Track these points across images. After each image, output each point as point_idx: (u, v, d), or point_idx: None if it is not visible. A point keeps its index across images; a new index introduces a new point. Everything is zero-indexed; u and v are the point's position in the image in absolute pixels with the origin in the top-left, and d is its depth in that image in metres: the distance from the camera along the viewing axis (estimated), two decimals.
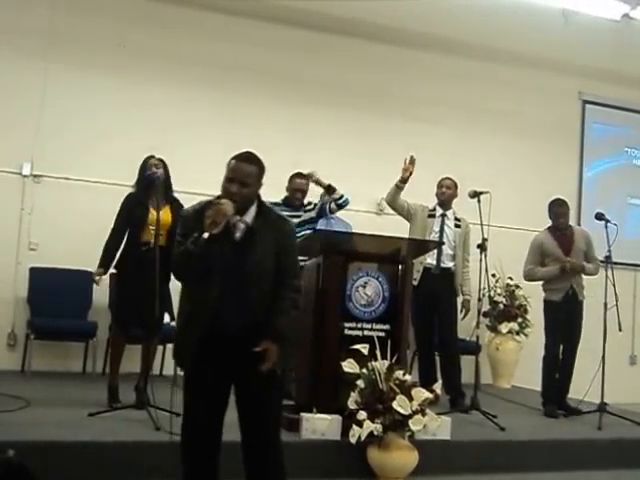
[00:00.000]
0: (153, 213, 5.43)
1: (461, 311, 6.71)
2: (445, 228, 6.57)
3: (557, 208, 6.70)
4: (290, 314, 3.48)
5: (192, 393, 3.53)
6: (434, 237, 6.50)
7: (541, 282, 6.75)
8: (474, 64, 8.58)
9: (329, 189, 6.31)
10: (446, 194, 6.62)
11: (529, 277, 6.81)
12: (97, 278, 5.67)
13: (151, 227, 5.36)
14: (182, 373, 3.58)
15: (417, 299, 6.36)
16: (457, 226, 6.64)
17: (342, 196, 6.34)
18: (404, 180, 6.35)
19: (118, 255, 5.60)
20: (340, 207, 6.42)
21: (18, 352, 6.99)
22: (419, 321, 6.56)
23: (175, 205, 5.57)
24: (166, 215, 5.50)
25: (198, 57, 7.62)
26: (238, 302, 3.39)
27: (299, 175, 6.42)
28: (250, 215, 3.45)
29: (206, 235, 3.27)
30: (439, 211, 6.63)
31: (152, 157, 5.64)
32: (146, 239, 5.44)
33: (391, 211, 7.26)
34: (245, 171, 3.40)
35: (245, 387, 3.50)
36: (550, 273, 6.60)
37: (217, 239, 3.30)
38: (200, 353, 3.40)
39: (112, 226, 5.61)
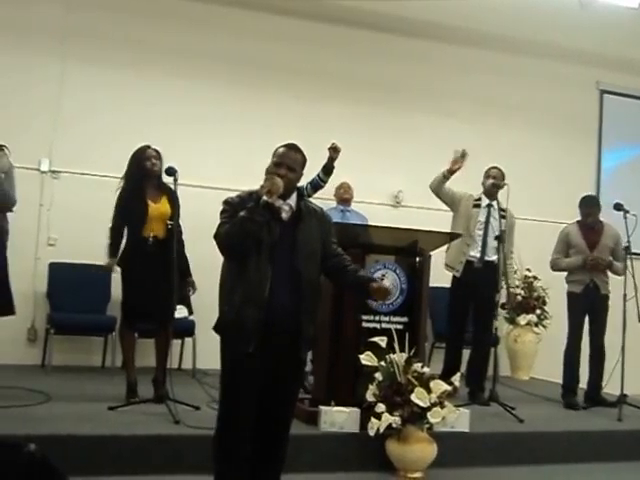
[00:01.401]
0: (152, 206, 5.41)
1: (506, 305, 6.64)
2: (491, 219, 6.38)
3: (585, 208, 6.63)
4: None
5: (241, 386, 3.52)
6: (479, 227, 6.35)
7: (564, 273, 6.72)
8: (488, 54, 8.52)
9: (330, 171, 6.21)
10: (499, 184, 6.38)
11: (554, 266, 6.78)
12: (112, 266, 5.58)
13: (169, 222, 5.34)
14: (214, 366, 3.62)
15: (456, 290, 6.36)
16: (502, 217, 6.43)
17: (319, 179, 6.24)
18: (452, 172, 6.27)
19: (120, 252, 5.52)
20: (315, 189, 6.30)
21: (38, 347, 7.04)
22: (455, 312, 6.49)
23: (171, 194, 5.43)
24: (164, 207, 5.47)
25: (213, 52, 7.62)
26: (289, 284, 3.51)
27: None
28: (292, 200, 3.62)
29: (265, 197, 3.40)
30: (485, 201, 6.46)
31: (149, 147, 5.52)
32: (147, 234, 5.39)
33: (408, 203, 7.28)
34: (292, 157, 3.63)
35: (281, 377, 3.55)
36: (572, 264, 6.57)
37: (264, 218, 3.42)
38: (258, 338, 3.45)
39: (111, 224, 5.51)
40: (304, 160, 3.70)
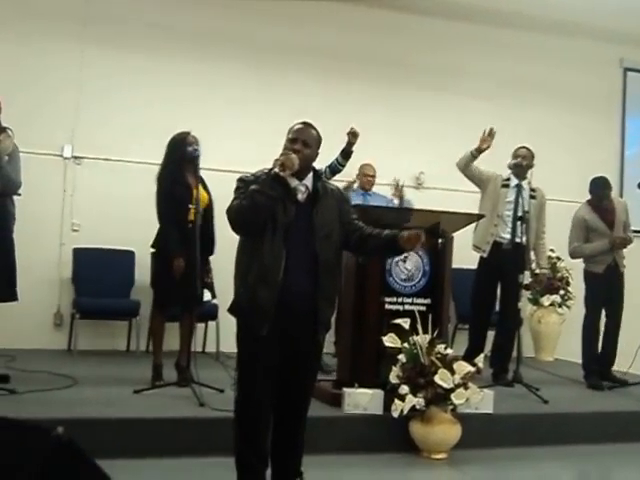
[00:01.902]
0: (194, 191, 5.42)
1: (534, 285, 6.57)
2: (520, 199, 6.26)
3: (599, 190, 6.52)
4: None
5: (257, 368, 3.53)
6: (508, 208, 6.26)
7: None
8: (510, 33, 8.44)
9: (349, 155, 6.22)
10: (523, 165, 6.32)
11: (576, 255, 6.66)
12: (183, 267, 5.32)
13: (190, 206, 5.33)
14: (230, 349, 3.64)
15: (482, 271, 6.33)
16: (532, 197, 6.37)
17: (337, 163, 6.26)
18: (481, 151, 6.19)
19: (156, 234, 5.50)
20: (334, 173, 6.32)
21: (64, 331, 7.11)
22: (480, 293, 6.44)
23: (203, 183, 5.53)
24: (203, 194, 5.51)
25: (233, 35, 7.60)
26: (305, 265, 3.49)
27: None
28: (309, 181, 3.59)
29: (277, 169, 3.39)
30: (514, 181, 6.34)
31: (188, 134, 5.49)
32: (190, 218, 5.36)
33: (430, 185, 7.24)
34: (308, 133, 3.61)
35: (299, 358, 3.57)
36: (599, 249, 6.46)
37: (276, 193, 3.40)
38: (273, 320, 3.45)
39: (160, 211, 5.42)
40: (319, 138, 3.67)
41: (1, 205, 5.01)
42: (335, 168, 6.18)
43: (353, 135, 5.99)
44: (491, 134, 6.18)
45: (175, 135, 5.55)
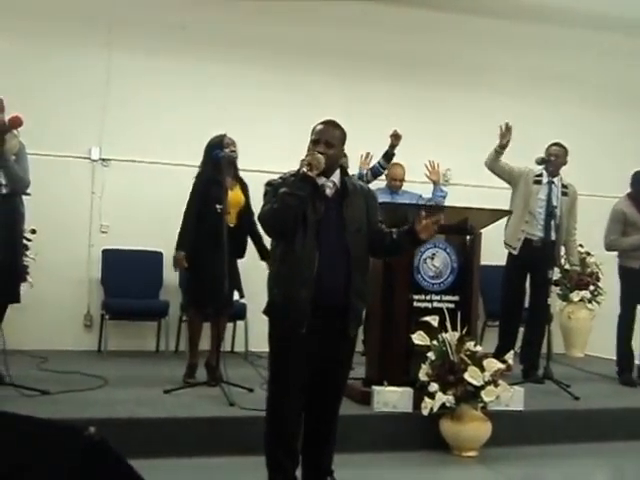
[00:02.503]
0: (230, 193, 5.44)
1: (563, 282, 6.48)
2: (552, 197, 6.21)
3: None
4: None
5: (291, 368, 3.53)
6: (540, 205, 6.20)
7: None
8: (537, 27, 8.35)
9: (391, 157, 6.25)
10: (554, 162, 6.26)
11: (613, 248, 6.56)
12: (182, 260, 5.47)
13: (218, 206, 5.30)
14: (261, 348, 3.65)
15: (512, 267, 6.31)
16: (564, 194, 6.33)
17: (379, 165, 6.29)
18: (503, 146, 6.16)
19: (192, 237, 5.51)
20: (375, 176, 6.35)
21: (94, 332, 7.16)
22: (510, 290, 6.40)
23: (242, 185, 5.61)
24: (238, 195, 5.55)
25: (257, 37, 7.57)
26: (337, 261, 3.50)
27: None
28: (336, 177, 3.60)
29: (305, 169, 3.40)
30: (546, 178, 6.29)
31: (225, 136, 5.58)
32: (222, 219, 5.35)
33: (458, 181, 7.19)
34: (330, 133, 3.59)
35: (332, 355, 3.56)
36: (637, 243, 6.36)
37: (305, 192, 3.40)
38: (309, 319, 3.45)
39: (186, 207, 5.53)
40: (343, 135, 3.65)
41: (11, 205, 4.97)
42: (377, 171, 6.28)
43: (396, 137, 6.03)
44: (508, 128, 6.13)
45: (213, 137, 5.64)
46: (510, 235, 6.31)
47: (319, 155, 3.46)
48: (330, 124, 3.63)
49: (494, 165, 6.29)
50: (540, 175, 6.31)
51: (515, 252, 6.27)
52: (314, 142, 3.57)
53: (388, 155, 6.15)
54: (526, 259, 6.23)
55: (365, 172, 6.31)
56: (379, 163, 6.19)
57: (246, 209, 5.65)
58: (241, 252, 5.65)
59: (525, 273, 6.30)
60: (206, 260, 5.38)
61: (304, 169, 3.42)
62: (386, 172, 6.82)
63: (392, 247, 3.74)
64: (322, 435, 3.71)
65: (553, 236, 6.13)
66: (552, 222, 6.09)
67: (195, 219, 5.47)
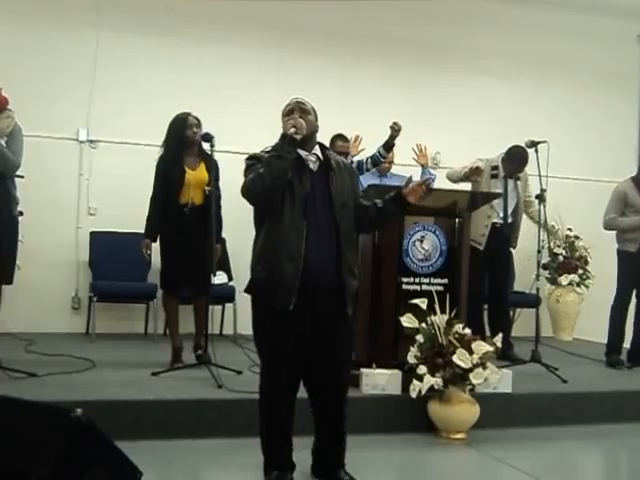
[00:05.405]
0: (190, 173, 5.41)
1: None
2: (508, 189, 6.44)
3: None
4: None
5: (281, 349, 3.44)
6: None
7: (610, 233, 6.59)
8: (523, 9, 8.33)
9: (391, 148, 6.26)
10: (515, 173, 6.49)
11: (611, 226, 6.59)
12: (147, 252, 5.54)
13: (207, 188, 5.30)
14: (252, 328, 3.58)
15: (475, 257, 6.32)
16: (517, 178, 6.51)
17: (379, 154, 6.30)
18: (466, 179, 6.32)
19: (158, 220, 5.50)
20: (375, 165, 6.36)
21: (82, 315, 7.15)
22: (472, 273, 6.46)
23: (208, 160, 5.39)
24: (202, 173, 5.46)
25: (246, 18, 7.55)
26: (326, 235, 3.45)
27: (341, 137, 6.55)
28: (317, 152, 3.58)
29: (291, 130, 3.39)
30: (502, 172, 6.48)
31: (189, 115, 5.49)
32: (184, 200, 5.39)
33: (447, 164, 7.21)
34: (302, 102, 3.60)
35: (329, 336, 3.49)
36: (635, 224, 6.38)
37: (292, 156, 3.39)
38: (298, 295, 3.39)
39: (152, 193, 5.52)
40: (314, 110, 3.64)
41: (1, 187, 4.92)
42: (377, 160, 6.29)
43: (395, 129, 6.04)
44: (477, 171, 6.22)
45: (176, 116, 5.54)
46: (473, 231, 6.30)
47: (300, 120, 3.45)
48: (299, 99, 3.63)
49: (456, 182, 6.43)
50: (496, 168, 6.48)
51: (481, 247, 6.32)
52: (288, 112, 3.55)
53: (388, 145, 6.17)
54: (489, 244, 6.37)
55: (365, 160, 6.32)
56: (379, 152, 6.21)
57: (211, 186, 5.39)
58: (217, 232, 5.40)
59: (486, 256, 6.38)
60: (174, 243, 5.40)
61: (290, 131, 3.39)
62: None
63: (378, 217, 3.66)
64: (334, 428, 3.64)
65: (510, 219, 6.45)
66: (509, 211, 6.43)
67: (160, 202, 5.45)
